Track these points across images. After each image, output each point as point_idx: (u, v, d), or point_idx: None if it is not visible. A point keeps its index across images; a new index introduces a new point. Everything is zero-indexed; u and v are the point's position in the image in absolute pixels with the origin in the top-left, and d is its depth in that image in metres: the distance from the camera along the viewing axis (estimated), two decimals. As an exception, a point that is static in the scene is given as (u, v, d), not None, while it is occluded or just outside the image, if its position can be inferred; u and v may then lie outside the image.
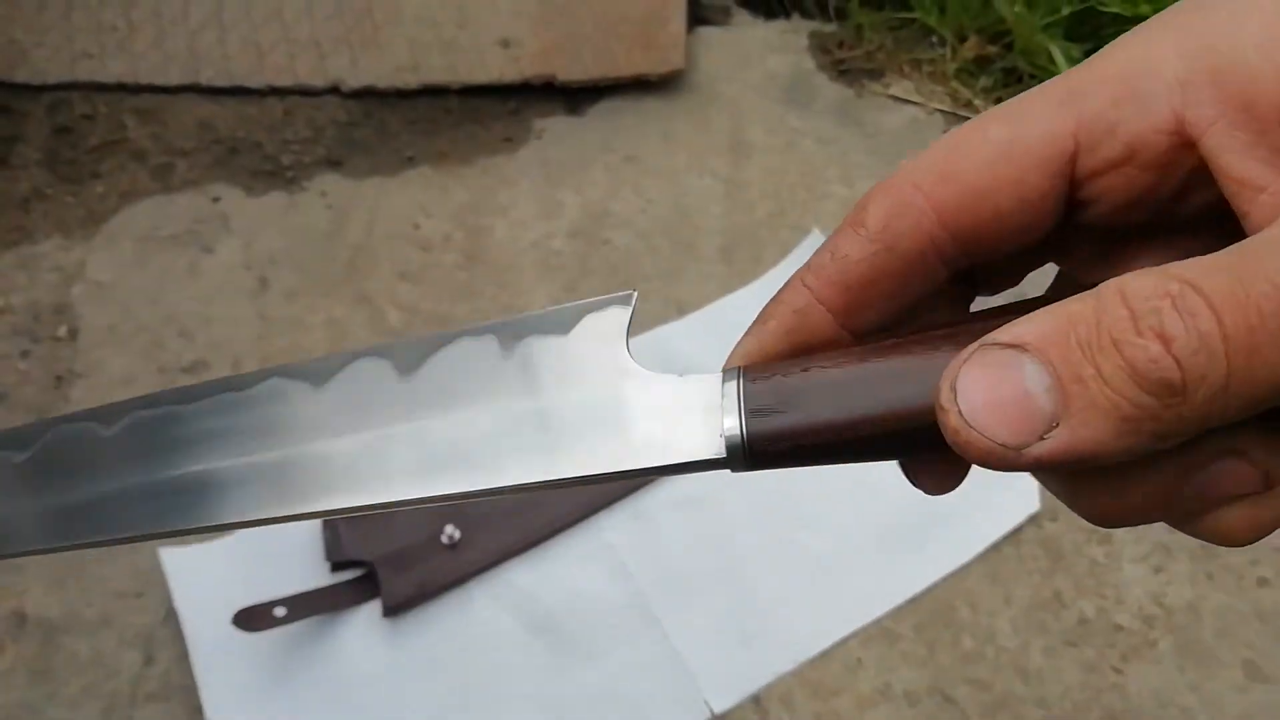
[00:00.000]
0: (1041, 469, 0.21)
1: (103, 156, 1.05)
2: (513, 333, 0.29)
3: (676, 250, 0.98)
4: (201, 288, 0.95)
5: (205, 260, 0.97)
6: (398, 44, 1.10)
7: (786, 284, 0.27)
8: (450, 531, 0.76)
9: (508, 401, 0.28)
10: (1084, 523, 0.82)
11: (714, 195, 1.02)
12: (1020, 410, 0.20)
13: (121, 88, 1.10)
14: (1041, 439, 0.20)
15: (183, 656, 0.74)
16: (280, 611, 0.72)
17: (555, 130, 1.07)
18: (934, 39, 1.18)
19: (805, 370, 0.25)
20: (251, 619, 0.71)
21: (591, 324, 0.28)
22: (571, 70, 1.07)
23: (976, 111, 1.11)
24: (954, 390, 0.21)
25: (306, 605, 0.73)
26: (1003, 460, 0.21)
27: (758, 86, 1.12)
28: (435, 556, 0.75)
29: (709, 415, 0.26)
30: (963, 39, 1.15)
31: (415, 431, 0.28)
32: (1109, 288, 0.20)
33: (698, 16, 1.18)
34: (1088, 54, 1.12)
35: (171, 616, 0.75)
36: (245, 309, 0.93)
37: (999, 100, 1.11)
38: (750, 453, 0.25)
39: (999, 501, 0.79)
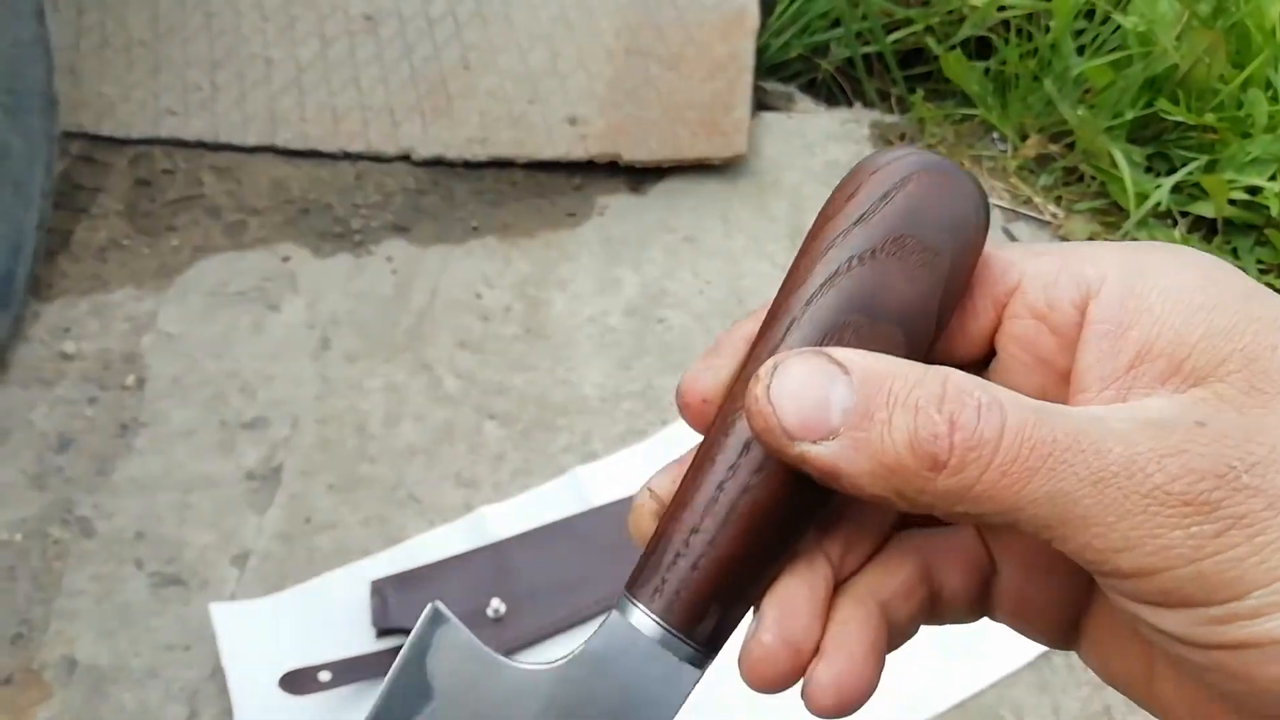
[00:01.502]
0: (801, 467, 0.24)
1: (179, 210, 1.09)
2: None
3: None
4: (265, 345, 0.97)
5: (271, 318, 0.99)
6: (469, 116, 1.14)
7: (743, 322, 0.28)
8: (496, 605, 0.76)
9: None
10: (1137, 637, 0.80)
11: (771, 280, 1.03)
12: (813, 411, 0.23)
13: (202, 145, 1.14)
14: (814, 444, 0.23)
15: (226, 713, 0.74)
16: (325, 676, 0.72)
17: (617, 208, 1.09)
18: (995, 136, 1.19)
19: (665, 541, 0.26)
20: (297, 682, 0.72)
21: (441, 666, 0.27)
22: (636, 151, 1.10)
23: (1036, 209, 1.12)
24: (774, 369, 0.24)
25: (351, 671, 0.73)
26: (776, 442, 0.24)
27: (818, 174, 1.13)
28: (480, 629, 0.75)
29: (645, 653, 0.26)
30: (1024, 137, 1.17)
31: None
32: (940, 370, 0.23)
33: (761, 102, 1.21)
34: (1150, 159, 1.13)
35: (218, 672, 0.76)
36: (306, 368, 0.95)
37: (1059, 199, 1.12)
38: (691, 635, 0.26)
39: (1049, 609, 0.79)
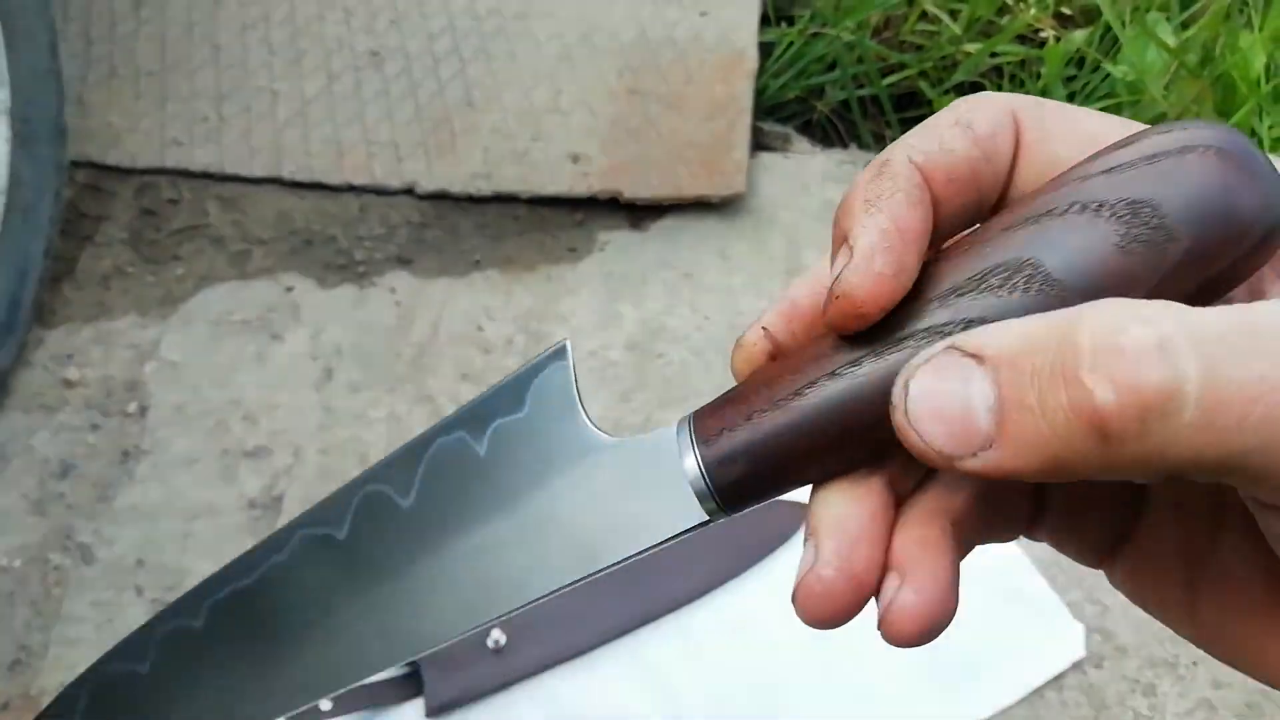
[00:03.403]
0: (972, 478, 0.22)
1: (184, 240, 1.10)
2: (476, 422, 0.30)
3: (729, 368, 1.00)
4: (268, 374, 0.98)
5: (274, 348, 1.00)
6: (473, 152, 1.15)
7: (881, 174, 0.25)
8: (497, 637, 0.77)
9: (503, 521, 0.29)
10: (1129, 672, 0.81)
11: (768, 317, 1.05)
12: (960, 425, 0.21)
13: (207, 176, 1.15)
14: (975, 455, 0.21)
15: (224, 743, 0.74)
16: (326, 705, 0.73)
17: (618, 243, 1.11)
18: (987, 178, 1.22)
19: (747, 399, 0.27)
20: (298, 713, 0.72)
21: (541, 390, 0.30)
22: (637, 188, 1.12)
23: (1027, 251, 1.14)
24: (906, 389, 0.22)
25: (352, 700, 0.74)
26: (937, 464, 0.22)
27: (815, 213, 1.15)
28: (481, 660, 0.76)
29: (675, 474, 0.27)
30: (1015, 180, 1.19)
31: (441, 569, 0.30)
32: (1078, 312, 0.20)
33: (759, 142, 1.23)
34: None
35: (217, 701, 0.76)
36: (309, 398, 0.96)
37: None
38: (715, 483, 0.26)
39: (1043, 645, 0.80)
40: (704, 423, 0.27)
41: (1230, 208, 0.22)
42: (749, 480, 0.26)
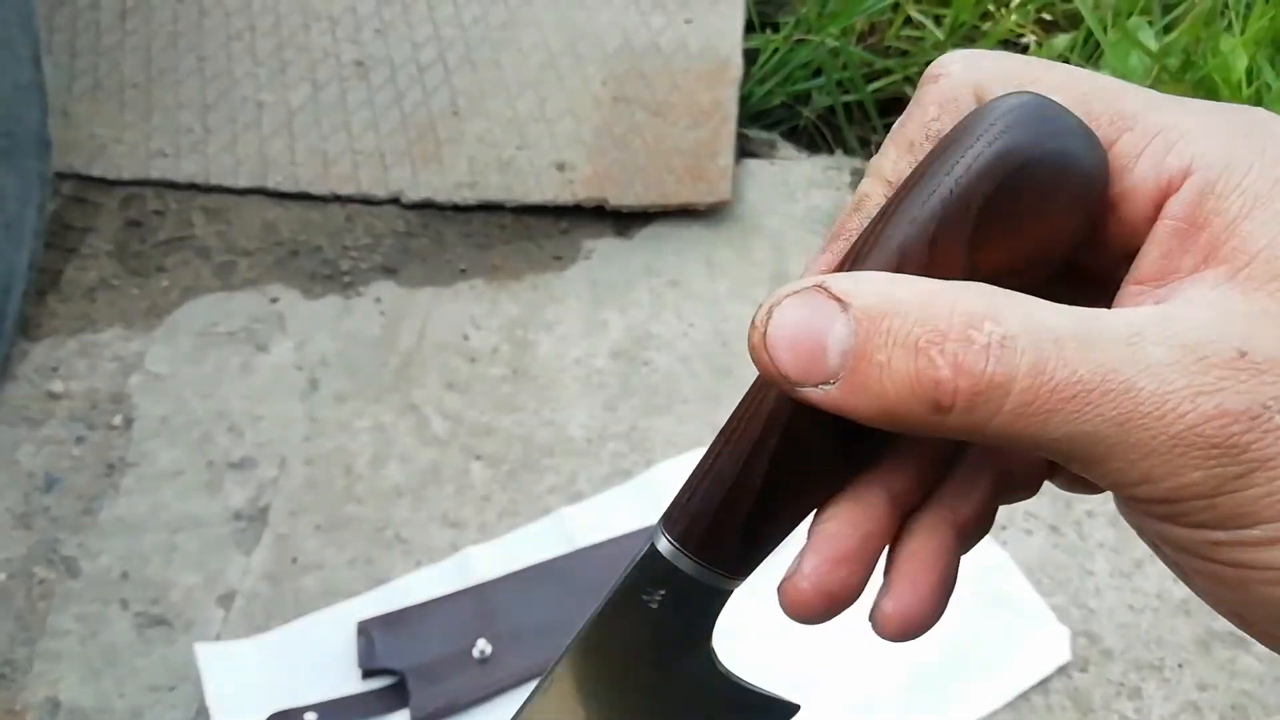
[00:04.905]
0: (810, 406, 0.23)
1: (169, 251, 1.10)
2: None
3: (715, 376, 1.00)
4: (254, 385, 0.98)
5: (259, 359, 1.00)
6: (458, 161, 1.16)
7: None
8: (482, 647, 0.77)
9: None
10: (1115, 676, 0.82)
11: (754, 323, 1.05)
12: (810, 358, 0.23)
13: (193, 187, 1.15)
14: (817, 387, 0.23)
15: (209, 756, 0.74)
16: (311, 717, 0.73)
17: (603, 251, 1.11)
18: (972, 183, 1.22)
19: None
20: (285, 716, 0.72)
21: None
22: (623, 196, 1.12)
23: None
24: (770, 314, 0.23)
25: (337, 712, 0.74)
26: (780, 386, 0.24)
27: (800, 220, 1.16)
28: (466, 671, 0.76)
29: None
30: (1000, 185, 1.19)
31: None
32: (949, 295, 0.22)
33: (744, 149, 1.23)
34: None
35: (203, 713, 0.76)
36: (295, 409, 0.96)
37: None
38: (673, 522, 0.27)
39: (1028, 650, 0.80)
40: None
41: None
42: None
